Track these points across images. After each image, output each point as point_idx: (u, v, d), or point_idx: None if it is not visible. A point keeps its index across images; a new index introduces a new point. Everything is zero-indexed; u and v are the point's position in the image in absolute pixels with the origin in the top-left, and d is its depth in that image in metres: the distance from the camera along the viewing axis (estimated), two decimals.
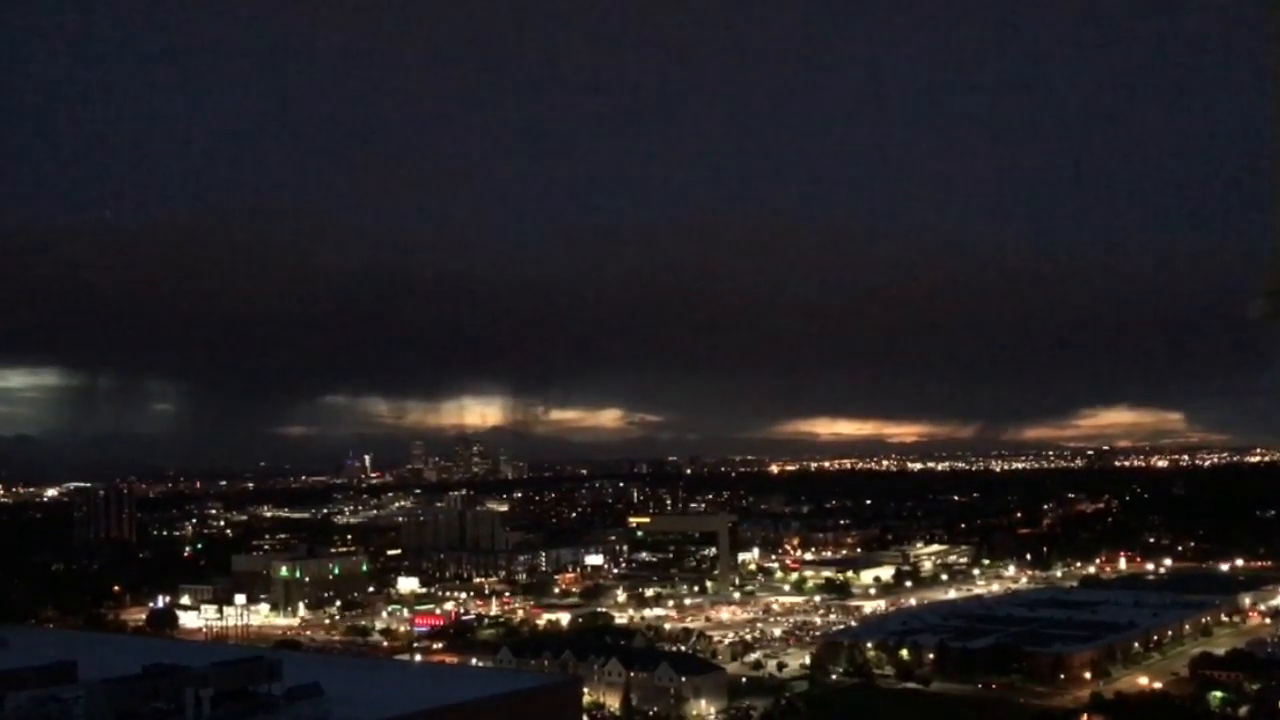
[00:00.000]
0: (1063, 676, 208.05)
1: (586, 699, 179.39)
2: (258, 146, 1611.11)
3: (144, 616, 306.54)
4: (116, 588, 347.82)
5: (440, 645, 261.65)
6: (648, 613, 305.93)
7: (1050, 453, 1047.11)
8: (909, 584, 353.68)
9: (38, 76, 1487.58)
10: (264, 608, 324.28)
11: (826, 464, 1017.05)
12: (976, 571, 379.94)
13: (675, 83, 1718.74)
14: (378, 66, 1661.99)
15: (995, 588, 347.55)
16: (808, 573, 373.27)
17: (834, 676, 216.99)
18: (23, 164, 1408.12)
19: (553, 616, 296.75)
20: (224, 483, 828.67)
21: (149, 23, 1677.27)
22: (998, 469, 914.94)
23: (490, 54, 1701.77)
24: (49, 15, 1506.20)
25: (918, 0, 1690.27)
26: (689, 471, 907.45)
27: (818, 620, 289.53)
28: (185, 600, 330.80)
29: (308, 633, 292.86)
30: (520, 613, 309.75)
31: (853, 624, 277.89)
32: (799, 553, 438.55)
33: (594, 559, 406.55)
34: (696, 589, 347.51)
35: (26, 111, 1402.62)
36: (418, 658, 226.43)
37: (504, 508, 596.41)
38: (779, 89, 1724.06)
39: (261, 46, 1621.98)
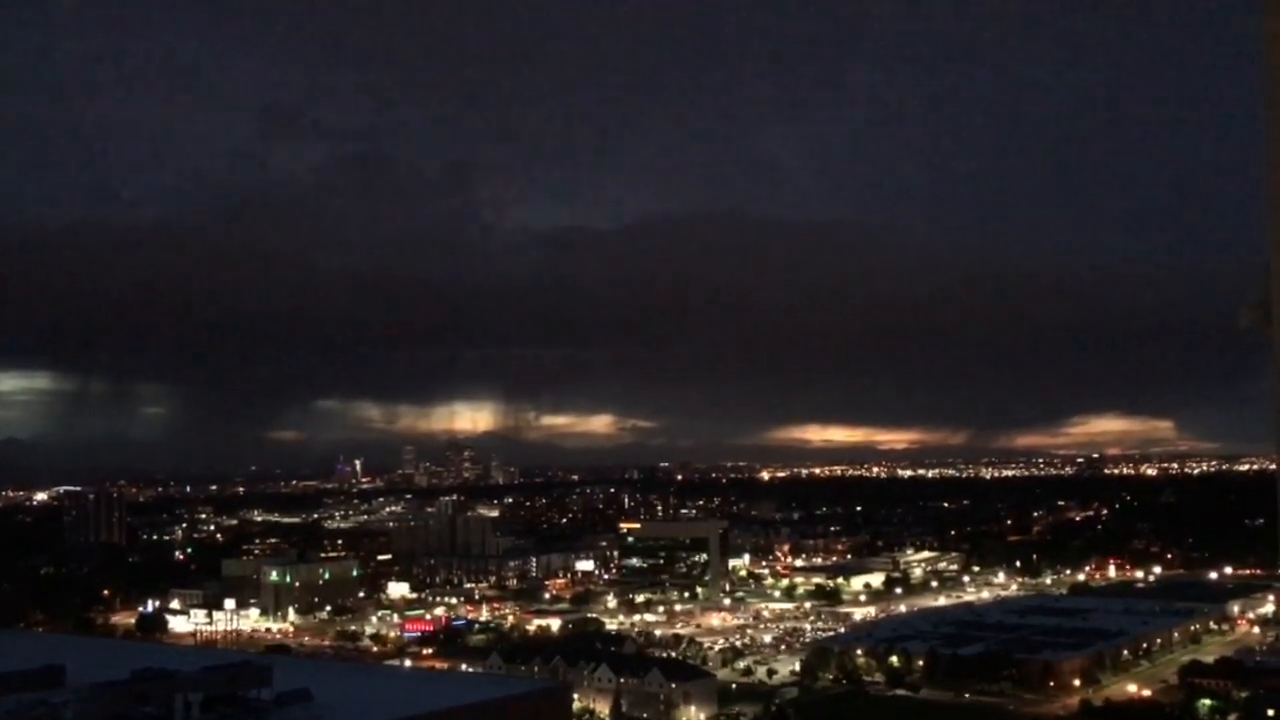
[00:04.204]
0: (1052, 684, 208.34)
1: (576, 705, 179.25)
2: (252, 148, 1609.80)
3: (133, 621, 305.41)
4: (106, 592, 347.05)
5: (430, 651, 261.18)
6: (638, 619, 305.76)
7: (1040, 460, 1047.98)
8: (899, 591, 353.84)
9: (34, 75, 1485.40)
10: (254, 612, 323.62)
11: (817, 470, 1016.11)
12: (966, 578, 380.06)
13: (670, 85, 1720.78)
14: (373, 68, 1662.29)
15: (985, 595, 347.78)
16: (798, 579, 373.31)
17: (824, 683, 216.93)
18: (17, 163, 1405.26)
19: (543, 622, 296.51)
20: (214, 487, 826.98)
21: (149, 22, 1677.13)
22: (988, 476, 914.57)
23: (485, 55, 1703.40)
24: (50, 14, 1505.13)
25: (914, 4, 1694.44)
26: (680, 478, 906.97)
27: (808, 627, 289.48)
28: (175, 605, 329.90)
29: (298, 638, 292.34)
30: (510, 618, 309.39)
31: (843, 630, 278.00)
32: (789, 559, 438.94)
33: (585, 565, 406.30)
34: (687, 595, 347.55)
35: (21, 110, 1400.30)
36: (408, 663, 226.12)
37: (495, 513, 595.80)
38: (773, 92, 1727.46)
39: (261, 46, 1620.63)
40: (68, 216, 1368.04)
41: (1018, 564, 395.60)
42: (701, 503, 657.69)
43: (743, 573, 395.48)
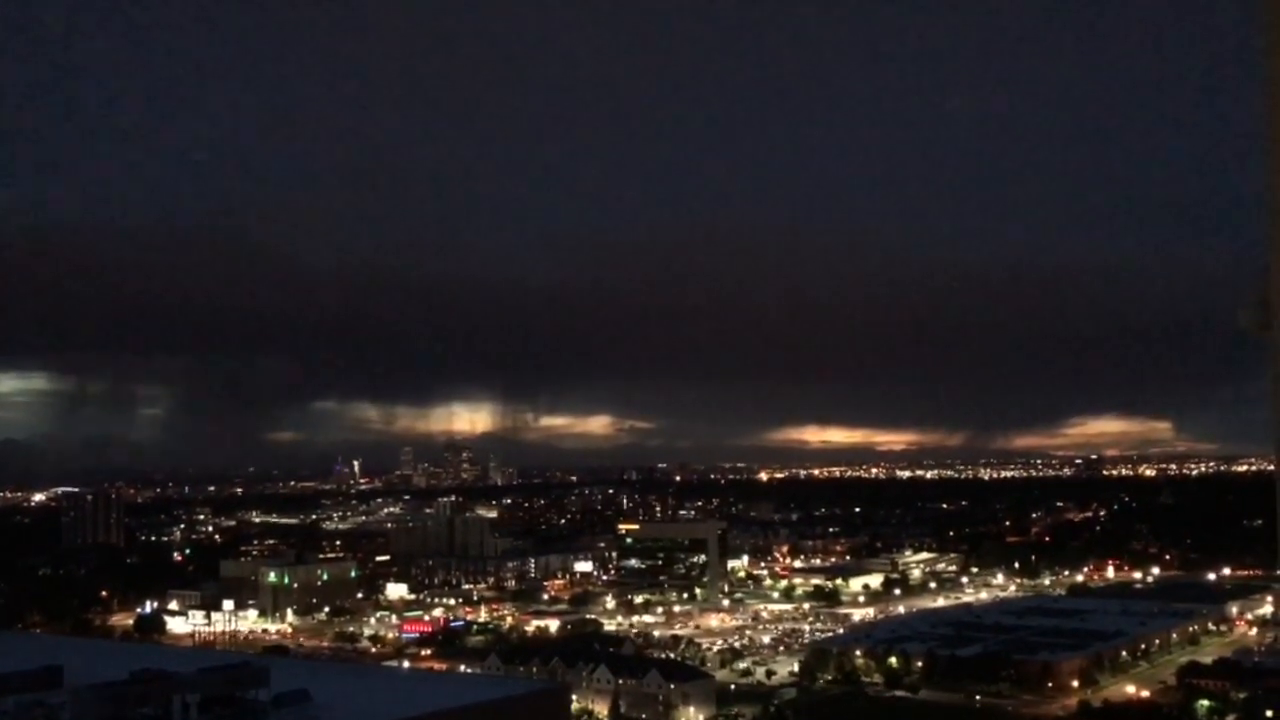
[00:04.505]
0: (1051, 685, 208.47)
1: (575, 706, 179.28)
2: (249, 149, 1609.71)
3: (131, 622, 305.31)
4: (104, 593, 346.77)
5: (429, 652, 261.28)
6: (637, 619, 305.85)
7: (1039, 461, 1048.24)
8: (898, 592, 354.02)
9: (32, 75, 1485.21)
10: (252, 613, 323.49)
11: (816, 471, 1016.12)
12: (965, 579, 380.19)
13: (665, 90, 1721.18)
14: (372, 70, 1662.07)
15: (984, 596, 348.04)
16: (796, 580, 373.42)
17: (822, 684, 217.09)
18: (14, 164, 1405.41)
19: (541, 623, 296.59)
20: (212, 488, 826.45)
21: (148, 22, 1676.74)
22: (986, 477, 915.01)
23: (484, 59, 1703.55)
24: (49, 14, 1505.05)
25: (912, 4, 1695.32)
26: (678, 478, 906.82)
27: (806, 628, 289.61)
28: (173, 606, 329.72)
29: (296, 639, 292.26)
30: (509, 619, 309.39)
31: (841, 631, 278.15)
32: (788, 560, 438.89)
33: (583, 565, 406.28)
34: (685, 596, 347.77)
35: (19, 111, 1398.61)
36: (406, 664, 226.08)
37: (493, 514, 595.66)
38: (768, 96, 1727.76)
39: (259, 48, 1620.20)
40: (66, 216, 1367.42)
41: (1016, 565, 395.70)
42: (700, 503, 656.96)
43: (741, 574, 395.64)
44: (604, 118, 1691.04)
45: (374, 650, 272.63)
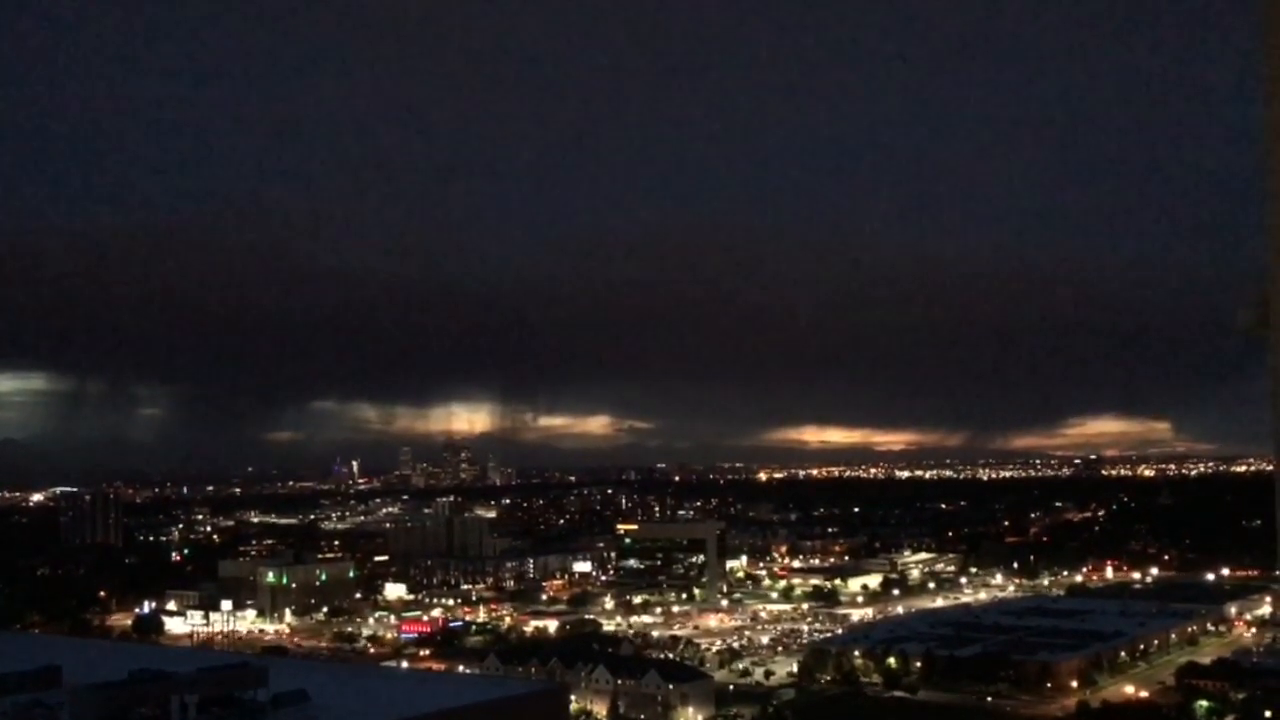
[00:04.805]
0: (1050, 685, 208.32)
1: (573, 706, 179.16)
2: (247, 150, 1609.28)
3: (130, 622, 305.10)
4: (102, 593, 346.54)
5: (427, 652, 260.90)
6: (635, 620, 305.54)
7: (1038, 461, 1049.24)
8: (896, 592, 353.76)
9: (33, 76, 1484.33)
10: (250, 614, 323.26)
11: (815, 472, 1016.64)
12: (964, 580, 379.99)
13: (664, 91, 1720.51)
14: (373, 72, 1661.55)
15: (982, 596, 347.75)
16: (795, 580, 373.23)
17: (821, 684, 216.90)
18: (14, 165, 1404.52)
19: (540, 623, 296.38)
20: (211, 488, 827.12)
21: (148, 23, 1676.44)
22: (985, 477, 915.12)
23: (485, 61, 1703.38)
24: (49, 15, 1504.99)
25: (905, 4, 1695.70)
26: (677, 479, 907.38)
27: (805, 628, 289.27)
28: (171, 606, 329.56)
29: (295, 639, 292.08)
30: (508, 620, 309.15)
31: (840, 632, 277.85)
32: (787, 560, 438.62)
33: (582, 566, 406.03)
34: (684, 596, 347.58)
35: (20, 112, 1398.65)
36: (404, 664, 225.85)
37: (492, 514, 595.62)
38: (766, 97, 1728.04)
39: (259, 48, 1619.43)
40: (66, 218, 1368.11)
41: (1015, 565, 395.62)
42: (699, 504, 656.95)
43: (740, 574, 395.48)
44: (603, 118, 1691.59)
45: (372, 650, 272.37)
